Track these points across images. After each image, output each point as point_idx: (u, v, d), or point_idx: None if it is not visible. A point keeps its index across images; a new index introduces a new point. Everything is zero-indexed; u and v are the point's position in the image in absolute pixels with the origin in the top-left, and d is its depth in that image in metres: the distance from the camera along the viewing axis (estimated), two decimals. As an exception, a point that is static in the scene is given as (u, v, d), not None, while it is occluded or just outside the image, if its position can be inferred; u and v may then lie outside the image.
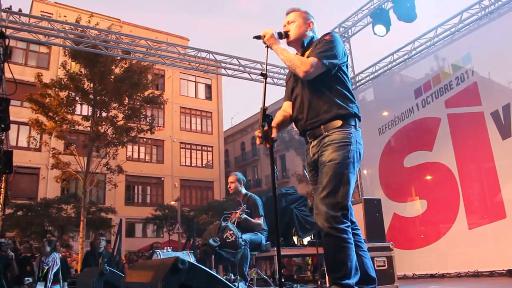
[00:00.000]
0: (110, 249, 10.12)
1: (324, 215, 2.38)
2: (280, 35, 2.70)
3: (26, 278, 6.63)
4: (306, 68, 2.49)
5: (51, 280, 7.26)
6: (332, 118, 2.55)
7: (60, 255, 7.94)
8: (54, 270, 7.29)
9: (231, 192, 5.33)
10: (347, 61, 2.69)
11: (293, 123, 2.83)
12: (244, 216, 4.81)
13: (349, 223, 2.42)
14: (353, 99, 2.63)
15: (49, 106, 15.05)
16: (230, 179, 5.29)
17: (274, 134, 2.61)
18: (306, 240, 7.19)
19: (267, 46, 2.65)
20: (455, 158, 7.22)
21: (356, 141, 2.53)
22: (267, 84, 2.64)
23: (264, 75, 2.64)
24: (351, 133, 2.52)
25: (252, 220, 4.92)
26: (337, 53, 2.56)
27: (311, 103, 2.62)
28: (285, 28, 2.78)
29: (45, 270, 7.32)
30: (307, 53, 2.65)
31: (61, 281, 7.34)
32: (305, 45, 2.75)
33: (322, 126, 2.57)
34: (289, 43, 2.76)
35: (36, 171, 23.14)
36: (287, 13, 2.81)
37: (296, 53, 2.76)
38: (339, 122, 2.53)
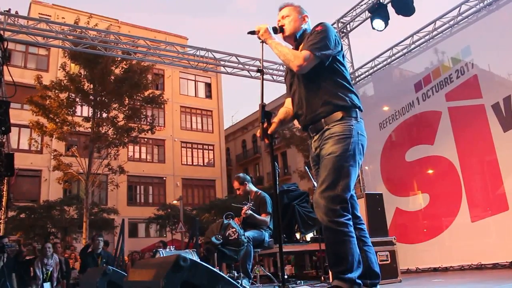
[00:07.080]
0: (113, 250, 10.18)
1: (323, 208, 2.36)
2: (275, 30, 2.68)
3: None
4: (299, 62, 2.47)
5: (56, 279, 7.50)
6: (332, 110, 2.52)
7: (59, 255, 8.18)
8: (57, 271, 7.53)
9: (241, 195, 5.37)
10: (342, 50, 2.64)
11: (295, 119, 2.79)
12: (250, 212, 4.83)
13: (350, 216, 2.38)
14: (351, 89, 2.59)
15: (50, 108, 15.08)
16: (235, 185, 5.37)
17: (272, 129, 2.61)
18: (309, 236, 7.19)
19: (262, 41, 2.62)
20: (457, 151, 7.20)
21: (358, 133, 2.49)
22: (266, 81, 2.62)
23: (261, 71, 2.62)
24: (352, 125, 2.49)
25: (258, 216, 4.94)
26: (329, 43, 2.52)
27: (309, 97, 2.59)
28: (280, 22, 2.74)
29: (49, 272, 7.51)
30: (300, 46, 2.61)
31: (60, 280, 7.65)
32: (298, 37, 2.71)
33: (323, 120, 2.54)
34: (285, 38, 2.73)
35: (38, 173, 23.18)
36: (281, 8, 2.78)
37: (292, 48, 2.72)
38: (339, 115, 2.50)
